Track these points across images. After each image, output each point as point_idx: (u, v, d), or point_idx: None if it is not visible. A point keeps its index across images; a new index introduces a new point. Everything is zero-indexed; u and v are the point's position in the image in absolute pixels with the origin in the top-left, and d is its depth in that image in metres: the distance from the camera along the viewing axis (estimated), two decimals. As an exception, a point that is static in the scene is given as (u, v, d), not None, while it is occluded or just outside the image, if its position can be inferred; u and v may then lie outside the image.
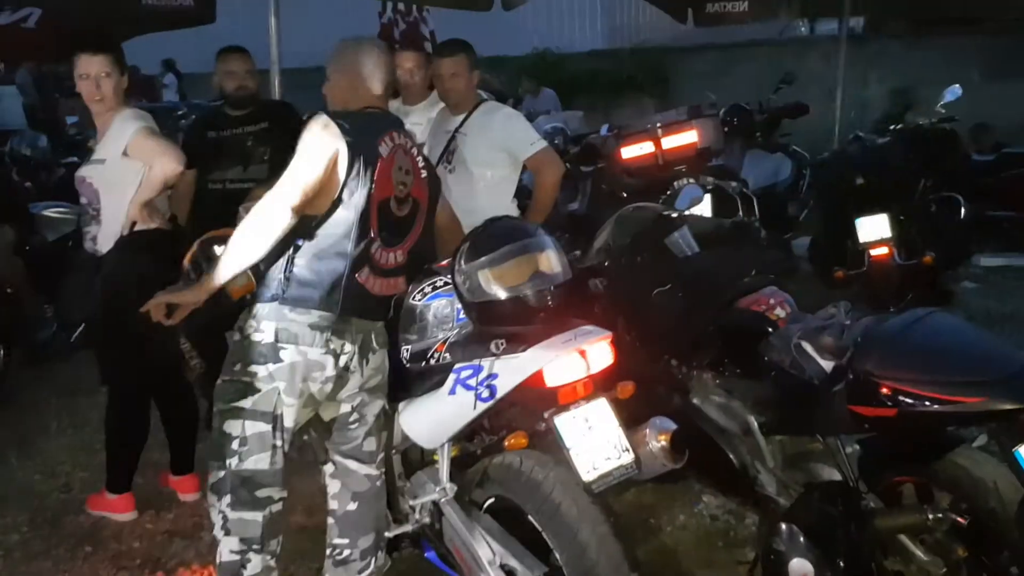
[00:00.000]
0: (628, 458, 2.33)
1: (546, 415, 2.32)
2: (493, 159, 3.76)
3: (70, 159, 6.58)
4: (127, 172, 3.36)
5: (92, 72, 3.39)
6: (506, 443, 2.41)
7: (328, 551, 2.81)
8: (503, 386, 2.32)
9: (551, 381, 2.26)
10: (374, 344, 2.64)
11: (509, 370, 2.31)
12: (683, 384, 3.13)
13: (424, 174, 2.71)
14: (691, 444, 3.10)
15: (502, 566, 2.51)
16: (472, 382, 2.38)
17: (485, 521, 2.59)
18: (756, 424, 2.96)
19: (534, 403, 2.35)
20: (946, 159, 6.15)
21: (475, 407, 2.37)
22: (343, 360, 2.56)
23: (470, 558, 2.58)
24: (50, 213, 5.04)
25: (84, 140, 7.74)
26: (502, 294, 2.36)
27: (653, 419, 2.42)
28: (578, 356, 2.28)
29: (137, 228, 3.37)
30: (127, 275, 3.34)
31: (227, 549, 2.56)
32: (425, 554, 2.91)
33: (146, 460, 3.80)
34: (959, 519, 2.48)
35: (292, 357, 2.49)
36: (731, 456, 3.01)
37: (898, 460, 2.71)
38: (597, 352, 2.31)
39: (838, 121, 7.27)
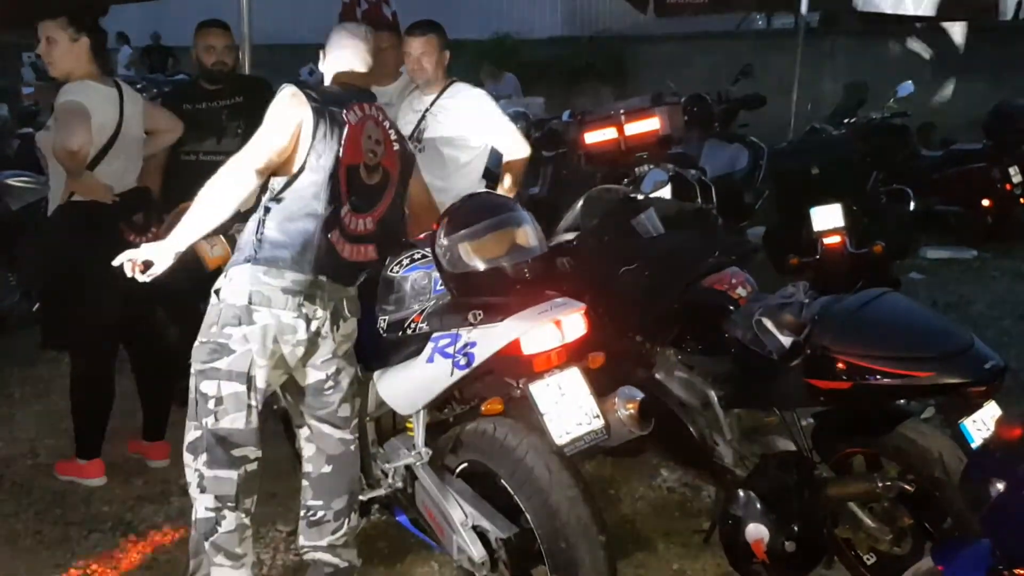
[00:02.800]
0: (598, 424, 2.44)
1: (521, 382, 2.42)
2: (462, 140, 3.83)
3: (26, 130, 6.51)
4: None
5: (40, 37, 3.43)
6: (483, 408, 2.50)
7: (302, 512, 2.88)
8: (480, 354, 2.41)
9: (527, 349, 2.36)
10: (345, 311, 2.70)
11: (487, 339, 2.41)
12: (647, 359, 3.25)
13: (396, 147, 2.79)
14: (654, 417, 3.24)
15: (474, 527, 2.62)
16: (450, 350, 2.47)
17: (458, 485, 2.69)
18: (716, 398, 3.09)
19: (510, 371, 2.45)
20: (897, 153, 6.36)
21: (452, 374, 2.46)
22: (315, 325, 2.62)
23: (442, 520, 2.68)
24: (13, 182, 5.01)
25: (39, 110, 7.65)
26: (481, 266, 2.46)
27: (622, 388, 2.54)
28: (553, 326, 2.38)
29: (75, 199, 3.39)
30: (62, 245, 3.40)
31: (203, 507, 2.64)
32: (396, 518, 3.01)
33: (117, 425, 3.84)
34: (906, 487, 2.64)
35: (265, 320, 2.57)
36: (691, 429, 3.13)
37: (850, 432, 2.86)
38: (571, 323, 2.41)
39: (794, 113, 7.46)
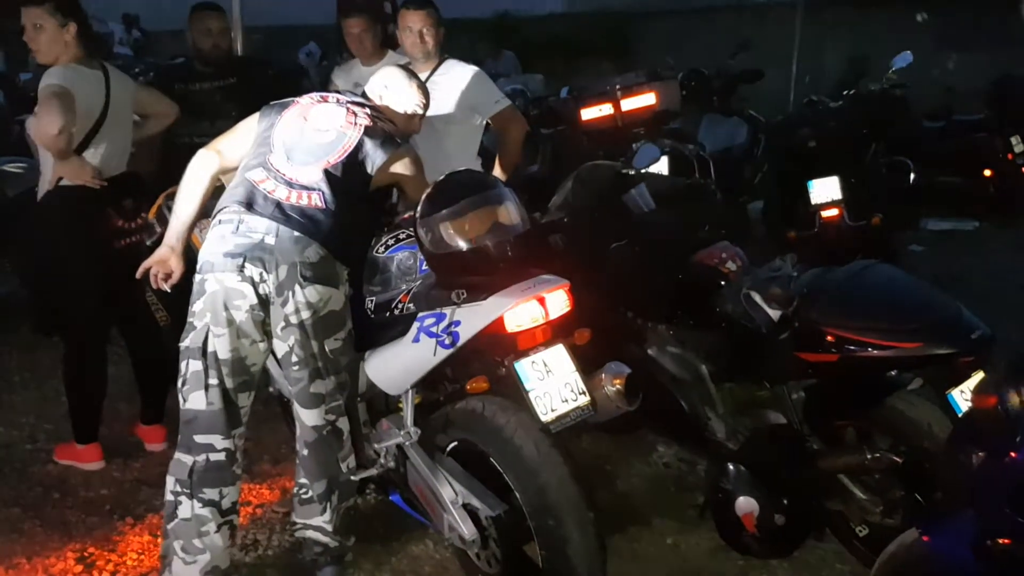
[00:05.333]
0: (584, 400, 2.45)
1: (506, 360, 2.42)
2: (457, 116, 3.80)
3: (23, 116, 6.50)
4: None
5: (27, 23, 3.42)
6: (468, 387, 2.50)
7: (294, 490, 2.91)
8: (465, 333, 2.41)
9: (511, 327, 2.36)
10: (300, 276, 2.59)
11: (471, 317, 2.41)
12: (639, 335, 3.25)
13: (367, 122, 2.80)
14: (646, 393, 3.25)
15: (464, 505, 2.62)
16: (435, 329, 2.47)
17: (448, 463, 2.70)
18: (707, 373, 3.10)
19: (495, 349, 2.45)
20: (896, 124, 6.31)
21: (436, 353, 2.46)
22: (262, 289, 2.61)
23: (433, 499, 2.69)
24: (9, 168, 5.01)
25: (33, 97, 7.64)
26: (463, 245, 2.45)
27: (609, 364, 2.53)
28: (537, 303, 2.38)
29: (62, 183, 3.40)
30: (52, 229, 3.42)
31: (168, 488, 2.68)
32: (390, 497, 3.02)
33: (114, 410, 3.87)
34: (895, 458, 2.64)
35: (212, 287, 2.60)
36: (683, 403, 3.14)
37: (840, 405, 2.85)
38: (555, 299, 2.41)
39: (793, 86, 7.42)
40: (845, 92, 6.23)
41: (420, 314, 2.54)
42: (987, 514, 1.88)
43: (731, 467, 2.80)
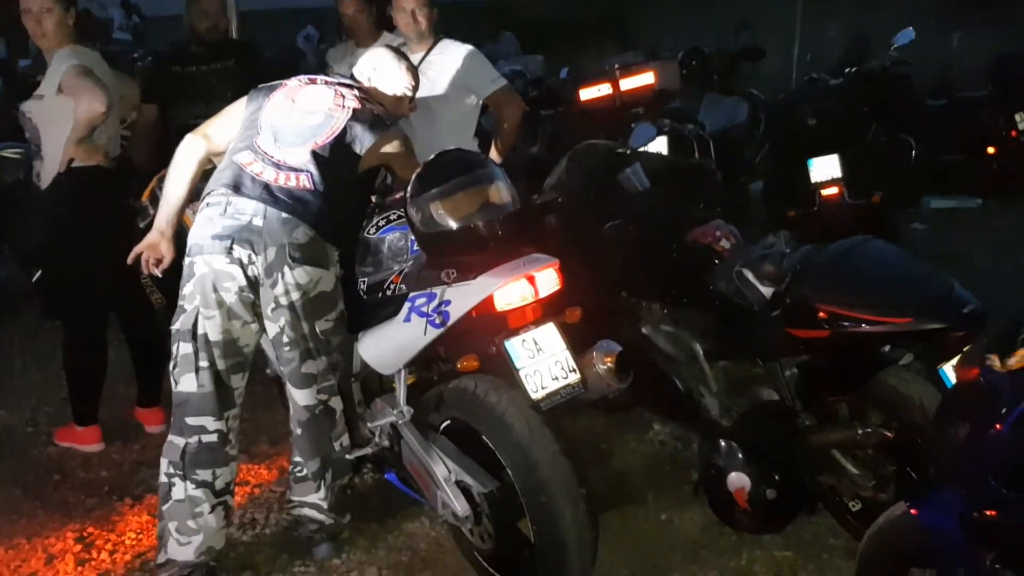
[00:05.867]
0: (575, 378, 2.45)
1: (497, 339, 2.43)
2: (453, 96, 3.80)
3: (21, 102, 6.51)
4: (63, 109, 3.39)
5: (34, 8, 3.41)
6: (459, 365, 2.51)
7: (290, 468, 2.94)
8: (455, 312, 2.42)
9: (500, 305, 2.37)
10: (289, 257, 2.60)
11: (460, 296, 2.41)
12: (633, 315, 3.25)
13: (355, 104, 2.80)
14: (640, 372, 3.25)
15: (457, 483, 2.64)
16: (426, 309, 2.47)
17: (441, 442, 2.71)
18: (701, 351, 3.10)
19: (485, 328, 2.45)
20: (898, 102, 6.27)
21: (427, 333, 2.47)
22: (251, 271, 2.62)
23: (427, 477, 2.71)
24: (6, 153, 5.01)
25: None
26: (453, 224, 2.45)
27: (600, 342, 2.54)
28: (526, 282, 2.38)
29: (75, 165, 3.41)
30: (64, 212, 3.42)
31: (162, 470, 2.70)
32: (385, 476, 3.04)
33: (114, 393, 3.90)
34: (886, 433, 2.65)
35: (201, 269, 2.61)
36: (677, 382, 3.15)
37: (833, 381, 2.86)
38: (545, 278, 2.41)
39: (795, 65, 7.38)
40: (847, 70, 6.21)
41: (411, 294, 2.55)
42: (973, 487, 1.89)
43: (723, 443, 2.81)
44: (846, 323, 2.57)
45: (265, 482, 3.44)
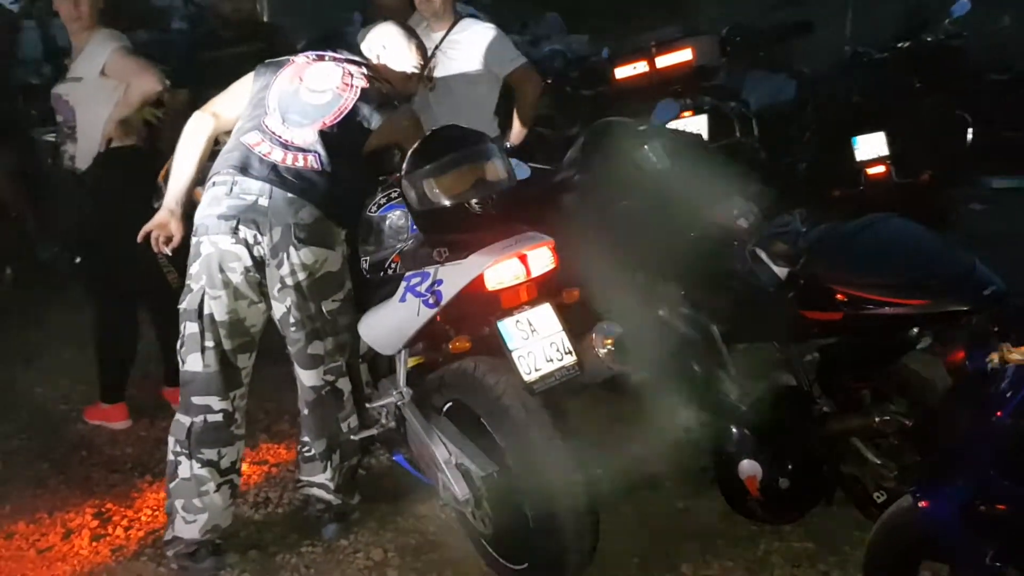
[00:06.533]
0: (570, 360, 2.39)
1: (491, 320, 2.37)
2: (473, 76, 3.76)
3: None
4: (104, 90, 3.45)
5: None
6: (451, 347, 2.46)
7: (298, 447, 2.94)
8: (447, 292, 2.37)
9: (491, 285, 2.31)
10: (294, 238, 2.59)
11: (452, 276, 2.37)
12: (649, 297, 3.17)
13: (363, 83, 2.77)
14: (658, 356, 3.18)
15: (457, 465, 2.60)
16: (420, 289, 2.43)
17: (443, 424, 2.68)
18: (718, 334, 3.00)
19: (480, 308, 2.40)
20: (953, 76, 6.01)
21: (420, 313, 2.43)
22: (257, 251, 2.61)
23: (429, 459, 2.68)
24: (51, 137, 5.12)
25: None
26: (445, 202, 2.40)
27: (599, 324, 2.47)
28: (517, 261, 2.32)
29: (113, 145, 3.45)
30: (107, 190, 3.45)
31: (169, 448, 2.72)
32: (394, 457, 3.02)
33: (145, 372, 3.96)
34: (905, 421, 2.53)
35: (207, 249, 2.61)
36: (695, 366, 3.06)
37: (853, 366, 2.74)
38: (538, 256, 2.35)
39: (848, 38, 7.13)
40: (899, 44, 5.98)
41: (407, 273, 2.51)
42: (975, 478, 1.79)
43: (734, 429, 2.73)
44: (860, 305, 2.45)
45: (284, 461, 3.46)
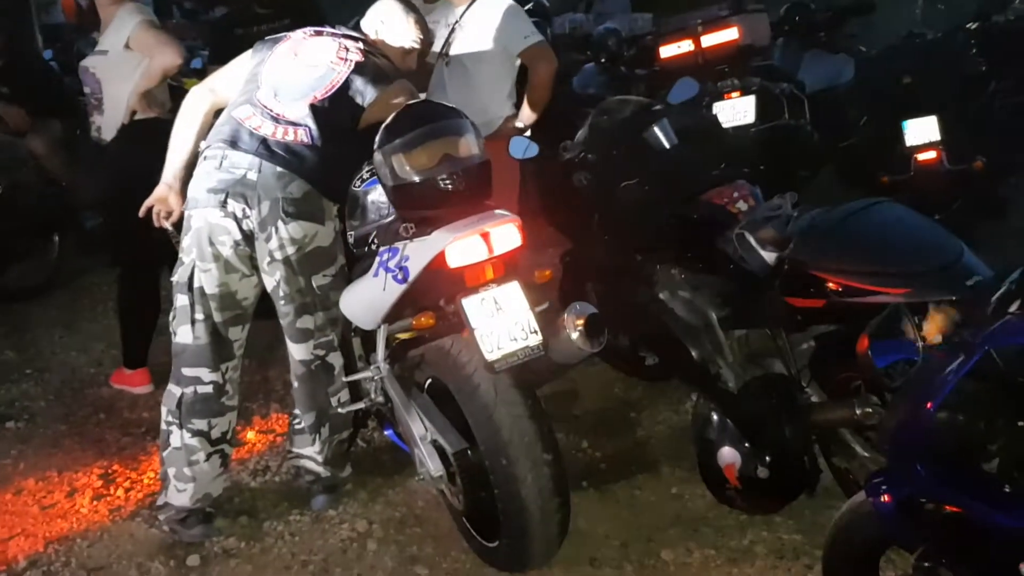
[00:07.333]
0: (535, 340, 2.35)
1: (457, 297, 2.36)
2: (487, 54, 3.71)
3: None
4: (128, 63, 3.54)
5: None
6: (413, 323, 2.46)
7: (290, 419, 3.00)
8: (413, 268, 2.36)
9: (453, 262, 2.29)
10: (283, 212, 2.61)
11: (417, 252, 2.35)
12: (649, 279, 3.12)
13: (358, 57, 2.78)
14: (659, 340, 3.13)
15: (432, 442, 2.61)
16: (391, 264, 2.43)
17: (422, 400, 2.68)
18: (716, 319, 2.94)
19: (446, 285, 2.38)
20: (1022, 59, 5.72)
21: (388, 288, 2.42)
22: (246, 225, 2.64)
23: (408, 434, 2.69)
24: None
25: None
26: (415, 177, 2.39)
27: (573, 304, 2.42)
28: (479, 238, 2.29)
29: (137, 117, 3.55)
30: (130, 161, 3.55)
31: (162, 418, 2.78)
32: (385, 431, 3.05)
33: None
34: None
35: (197, 223, 2.65)
36: (692, 351, 3.00)
37: (844, 356, 2.65)
38: (501, 235, 2.32)
39: (920, 19, 6.85)
40: (968, 25, 5.71)
41: (381, 249, 2.51)
42: (909, 472, 1.72)
43: (714, 416, 2.67)
44: (842, 292, 2.37)
45: (283, 433, 3.51)
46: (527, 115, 3.68)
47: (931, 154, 4.83)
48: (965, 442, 1.61)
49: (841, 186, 5.82)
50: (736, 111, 5.15)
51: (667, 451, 3.30)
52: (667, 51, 5.27)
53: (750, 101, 5.13)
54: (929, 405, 1.59)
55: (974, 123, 4.93)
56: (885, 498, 1.80)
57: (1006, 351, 1.57)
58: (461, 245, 2.28)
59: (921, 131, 4.83)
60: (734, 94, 5.15)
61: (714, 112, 4.94)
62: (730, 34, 5.13)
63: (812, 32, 6.21)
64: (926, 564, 1.65)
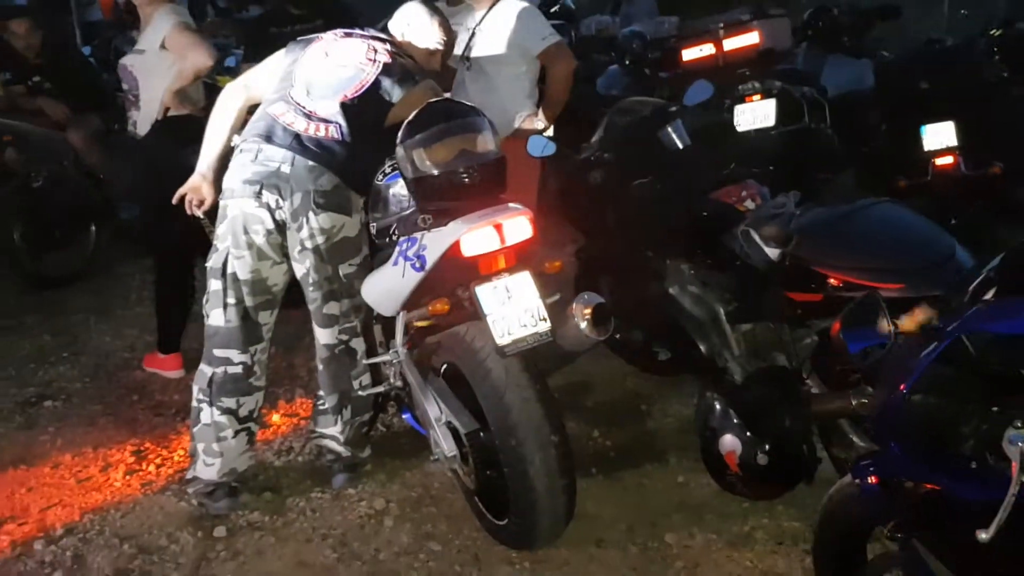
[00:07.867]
0: (544, 327, 2.48)
1: (471, 285, 2.49)
2: (506, 56, 3.82)
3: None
4: (164, 62, 3.71)
5: None
6: (428, 309, 2.60)
7: (314, 400, 3.14)
8: (430, 257, 2.50)
9: (467, 252, 2.43)
10: (314, 203, 2.75)
11: (434, 242, 2.49)
12: (660, 274, 3.23)
13: (386, 58, 2.91)
14: (669, 334, 3.24)
15: (447, 423, 2.74)
16: (410, 253, 2.57)
17: (438, 384, 2.82)
18: (723, 314, 3.05)
19: (461, 274, 2.52)
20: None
21: (407, 276, 2.56)
22: (279, 215, 2.78)
23: (425, 417, 2.82)
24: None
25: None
26: (433, 171, 2.53)
27: (581, 294, 2.54)
28: (492, 229, 2.42)
29: (170, 114, 3.71)
30: (162, 155, 3.71)
31: (193, 396, 2.93)
32: (403, 415, 3.19)
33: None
34: (882, 405, 2.53)
35: (233, 212, 2.80)
36: (700, 345, 3.11)
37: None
38: (513, 226, 2.45)
39: (946, 25, 6.89)
40: (992, 31, 5.76)
41: (400, 239, 2.65)
42: (884, 451, 1.82)
43: (717, 404, 2.77)
44: (838, 287, 2.48)
45: (308, 415, 3.65)
46: (546, 114, 3.79)
47: (948, 159, 4.88)
48: (937, 424, 1.70)
49: (861, 190, 5.87)
50: (757, 114, 5.22)
51: (675, 442, 3.39)
52: (689, 54, 5.37)
53: (771, 104, 5.18)
54: (902, 387, 1.69)
55: (995, 128, 4.97)
56: (872, 479, 1.91)
57: (977, 338, 1.66)
58: (475, 235, 2.42)
59: (938, 136, 4.89)
60: (755, 97, 5.22)
61: (735, 115, 5.03)
62: (751, 38, 5.23)
63: (835, 37, 6.28)
64: (899, 535, 1.75)
